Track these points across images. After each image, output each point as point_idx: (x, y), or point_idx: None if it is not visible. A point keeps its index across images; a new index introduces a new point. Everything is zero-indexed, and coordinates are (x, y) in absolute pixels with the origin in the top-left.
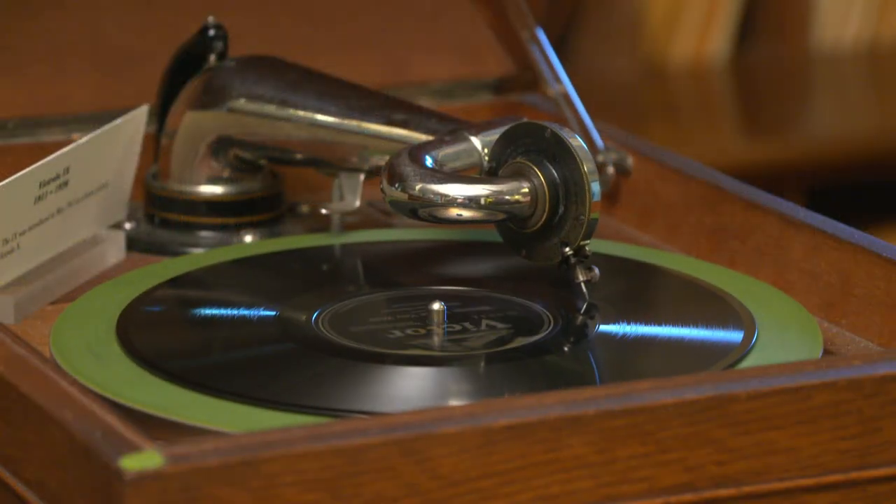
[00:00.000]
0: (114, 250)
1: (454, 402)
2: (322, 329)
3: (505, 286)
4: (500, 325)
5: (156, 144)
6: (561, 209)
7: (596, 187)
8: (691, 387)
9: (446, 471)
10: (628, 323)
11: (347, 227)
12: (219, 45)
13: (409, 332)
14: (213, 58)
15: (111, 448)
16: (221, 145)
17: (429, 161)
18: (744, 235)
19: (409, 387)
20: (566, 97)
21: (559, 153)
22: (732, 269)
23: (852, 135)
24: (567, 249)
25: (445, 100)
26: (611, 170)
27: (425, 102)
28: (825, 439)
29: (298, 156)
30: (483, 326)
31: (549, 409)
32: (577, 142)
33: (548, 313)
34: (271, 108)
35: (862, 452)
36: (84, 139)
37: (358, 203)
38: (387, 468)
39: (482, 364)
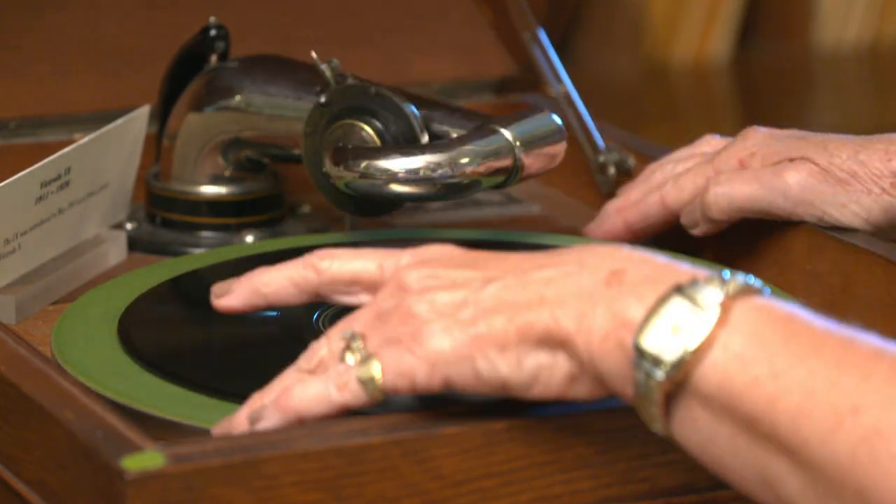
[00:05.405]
0: (115, 250)
1: (455, 403)
2: (324, 329)
3: None
4: None
5: (157, 144)
6: None
7: None
8: None
9: (448, 471)
10: None
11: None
12: (220, 45)
13: None
14: (214, 58)
15: (112, 448)
16: (223, 145)
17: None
18: (744, 235)
19: None
20: (567, 97)
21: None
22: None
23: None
24: None
25: (447, 100)
26: (612, 170)
27: None
28: None
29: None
30: None
31: (550, 409)
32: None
33: None
34: (273, 108)
35: None
36: (86, 139)
37: None
38: (388, 468)
39: None
